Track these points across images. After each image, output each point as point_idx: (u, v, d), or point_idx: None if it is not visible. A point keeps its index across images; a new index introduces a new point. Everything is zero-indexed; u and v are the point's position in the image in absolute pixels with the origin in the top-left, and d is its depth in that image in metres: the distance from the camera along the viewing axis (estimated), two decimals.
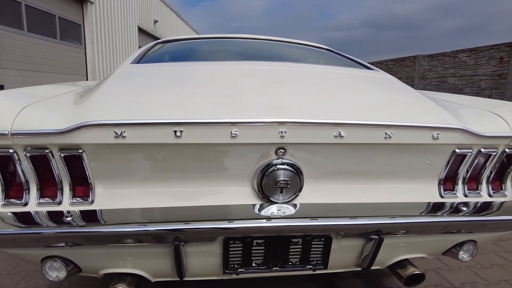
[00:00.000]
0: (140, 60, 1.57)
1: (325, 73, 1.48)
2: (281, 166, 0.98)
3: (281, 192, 1.00)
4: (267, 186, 1.00)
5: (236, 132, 0.92)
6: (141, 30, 11.71)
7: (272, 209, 1.01)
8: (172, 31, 15.61)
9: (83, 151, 0.93)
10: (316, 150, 1.02)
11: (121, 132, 0.88)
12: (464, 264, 2.04)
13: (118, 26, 9.89)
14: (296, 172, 1.00)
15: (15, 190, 0.98)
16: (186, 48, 2.13)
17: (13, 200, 0.97)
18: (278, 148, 0.99)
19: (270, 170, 0.99)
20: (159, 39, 11.09)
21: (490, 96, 6.19)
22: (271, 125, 0.93)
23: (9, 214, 0.95)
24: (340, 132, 0.96)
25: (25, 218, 0.95)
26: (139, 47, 9.98)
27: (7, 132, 0.87)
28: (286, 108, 1.00)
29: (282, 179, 0.98)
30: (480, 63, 6.34)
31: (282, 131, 0.94)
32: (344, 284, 1.80)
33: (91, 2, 8.36)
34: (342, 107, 1.07)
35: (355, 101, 1.14)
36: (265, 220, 0.97)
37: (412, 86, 7.07)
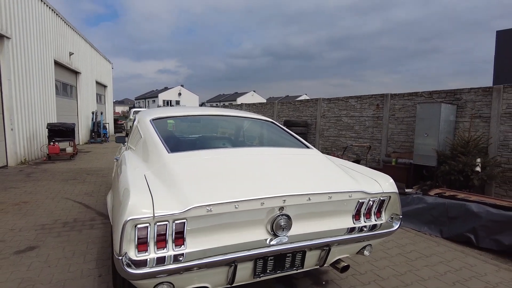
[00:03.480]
0: (170, 147, 2.32)
1: (290, 155, 2.52)
2: (284, 217, 1.92)
3: (283, 230, 1.94)
4: (276, 228, 1.92)
5: (263, 202, 1.84)
6: (57, 63, 11.29)
7: (277, 240, 1.93)
8: (86, 62, 15.15)
9: (186, 220, 1.72)
10: (298, 207, 1.99)
11: (211, 209, 1.71)
12: (366, 260, 3.25)
13: (35, 61, 9.49)
14: (289, 218, 1.96)
15: (142, 245, 1.68)
16: (189, 131, 2.96)
17: (141, 251, 1.68)
18: (280, 208, 1.93)
19: (278, 219, 1.92)
20: (74, 71, 10.94)
21: (372, 133, 8.19)
22: (281, 197, 1.87)
23: (140, 259, 1.66)
24: (309, 198, 1.96)
25: (151, 262, 1.66)
26: (56, 81, 9.71)
27: (152, 216, 1.61)
28: (286, 186, 1.95)
29: (283, 224, 1.92)
30: (364, 107, 8.38)
31: (285, 200, 1.89)
32: (300, 281, 2.78)
33: (8, 38, 8.02)
34: (308, 183, 2.07)
35: (313, 177, 2.18)
36: (275, 247, 1.89)
37: (315, 123, 8.83)
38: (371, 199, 2.23)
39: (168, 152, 2.26)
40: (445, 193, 4.69)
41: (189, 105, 58.02)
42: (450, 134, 6.47)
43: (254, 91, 71.71)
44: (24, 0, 8.89)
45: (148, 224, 1.65)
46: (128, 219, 1.58)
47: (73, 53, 12.86)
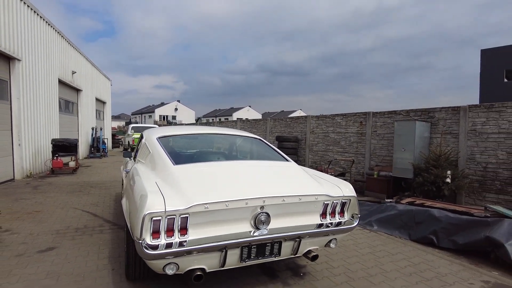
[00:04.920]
0: (175, 160, 2.90)
1: (271, 166, 3.10)
2: (264, 214, 2.49)
3: (263, 224, 2.50)
4: (258, 222, 2.48)
5: (247, 202, 2.41)
6: (60, 82, 11.91)
7: (259, 232, 2.49)
8: (87, 80, 15.80)
9: (189, 215, 2.28)
10: (275, 206, 2.55)
11: (207, 206, 2.28)
12: (339, 257, 3.79)
13: (41, 81, 10.09)
14: (268, 215, 2.52)
15: (155, 233, 2.23)
16: (190, 146, 3.56)
17: (155, 238, 2.23)
18: (261, 206, 2.50)
19: (259, 216, 2.48)
20: (76, 88, 11.58)
21: (357, 148, 8.82)
22: (261, 198, 2.44)
23: (154, 244, 2.20)
24: (284, 199, 2.54)
25: (162, 246, 2.20)
26: (59, 98, 10.26)
27: (163, 211, 2.17)
28: (266, 190, 2.52)
29: (264, 219, 2.48)
30: (349, 124, 9.04)
31: (264, 200, 2.46)
32: (281, 273, 3.32)
33: (18, 60, 8.64)
34: (283, 188, 2.65)
35: (288, 183, 2.76)
36: (257, 237, 2.45)
37: (305, 139, 9.52)
38: (334, 201, 2.81)
39: (174, 164, 2.84)
40: (415, 201, 5.28)
41: (186, 120, 58.70)
42: (425, 149, 7.10)
43: (250, 106, 72.80)
44: (33, 25, 9.57)
45: (161, 217, 2.21)
46: (147, 213, 2.14)
47: (75, 72, 13.51)
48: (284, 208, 2.61)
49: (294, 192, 2.62)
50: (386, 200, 6.52)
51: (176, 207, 2.23)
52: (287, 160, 3.44)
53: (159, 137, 3.45)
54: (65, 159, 10.21)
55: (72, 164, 10.14)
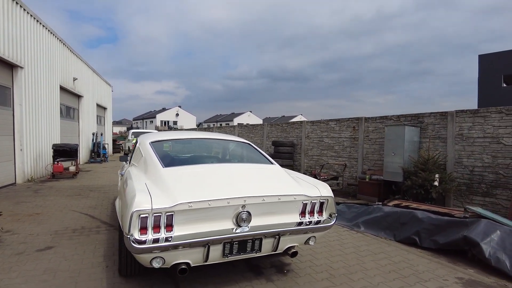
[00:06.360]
0: (164, 163, 3.11)
1: (254, 169, 3.31)
2: (245, 212, 2.68)
3: (244, 222, 2.69)
4: (239, 220, 2.68)
5: (229, 201, 2.61)
6: (62, 88, 12.19)
7: (240, 229, 2.68)
8: (88, 86, 16.11)
9: (174, 213, 2.48)
10: (256, 205, 2.74)
11: (191, 205, 2.48)
12: (322, 256, 3.97)
13: (43, 87, 10.36)
14: (250, 214, 2.71)
15: (143, 229, 2.42)
16: (181, 150, 3.76)
17: (142, 234, 2.42)
18: (242, 205, 2.70)
19: (241, 214, 2.67)
20: (77, 95, 11.83)
21: (350, 152, 9.00)
22: (242, 197, 2.64)
23: (142, 239, 2.40)
24: (264, 199, 2.73)
25: (149, 241, 2.40)
26: (60, 104, 10.49)
27: (150, 209, 2.37)
28: (247, 190, 2.72)
29: (245, 217, 2.68)
30: (342, 129, 9.24)
31: (245, 199, 2.66)
32: (267, 270, 3.50)
33: (21, 67, 8.92)
34: (265, 188, 2.85)
35: (268, 184, 2.96)
36: (238, 234, 2.64)
37: (301, 143, 9.71)
38: (312, 201, 3.00)
39: (163, 167, 3.05)
40: (401, 203, 5.46)
41: (187, 125, 59.04)
42: (415, 153, 7.29)
43: (251, 111, 73.16)
44: (36, 33, 9.86)
45: (148, 215, 2.41)
46: (135, 210, 2.34)
47: (76, 79, 13.80)
48: (264, 207, 2.81)
49: (274, 192, 2.81)
50: (377, 202, 6.71)
51: (162, 205, 2.43)
52: (271, 163, 3.65)
53: (152, 142, 3.66)
54: (65, 164, 10.44)
55: (72, 168, 10.36)
